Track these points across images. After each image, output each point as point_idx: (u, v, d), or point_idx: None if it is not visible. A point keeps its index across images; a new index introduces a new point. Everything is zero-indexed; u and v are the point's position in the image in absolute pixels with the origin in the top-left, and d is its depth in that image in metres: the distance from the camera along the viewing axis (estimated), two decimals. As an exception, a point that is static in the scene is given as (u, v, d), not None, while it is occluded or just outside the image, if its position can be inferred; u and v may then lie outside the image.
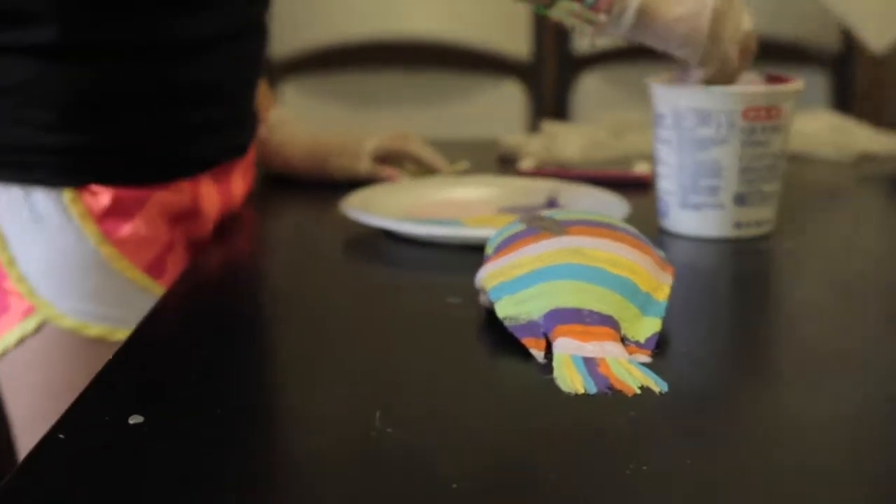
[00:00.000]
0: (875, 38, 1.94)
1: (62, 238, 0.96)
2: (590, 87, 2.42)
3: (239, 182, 1.10)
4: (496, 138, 1.38)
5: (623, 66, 2.38)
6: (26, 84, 0.94)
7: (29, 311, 0.96)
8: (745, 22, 0.97)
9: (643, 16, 0.94)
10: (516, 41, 2.40)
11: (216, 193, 1.06)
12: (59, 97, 0.95)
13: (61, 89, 0.94)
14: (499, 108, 2.38)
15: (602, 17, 0.92)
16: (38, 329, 0.96)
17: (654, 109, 1.00)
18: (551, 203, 1.08)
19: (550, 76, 2.44)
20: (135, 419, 0.59)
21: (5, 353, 0.97)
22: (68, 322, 0.96)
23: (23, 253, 0.95)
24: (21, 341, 0.96)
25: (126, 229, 0.97)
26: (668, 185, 1.00)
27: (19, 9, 0.93)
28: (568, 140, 1.31)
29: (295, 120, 1.21)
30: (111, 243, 0.97)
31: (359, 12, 2.35)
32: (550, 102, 2.44)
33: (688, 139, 0.97)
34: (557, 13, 0.93)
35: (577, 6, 0.92)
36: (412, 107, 2.35)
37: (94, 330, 0.97)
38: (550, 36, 2.42)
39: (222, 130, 1.05)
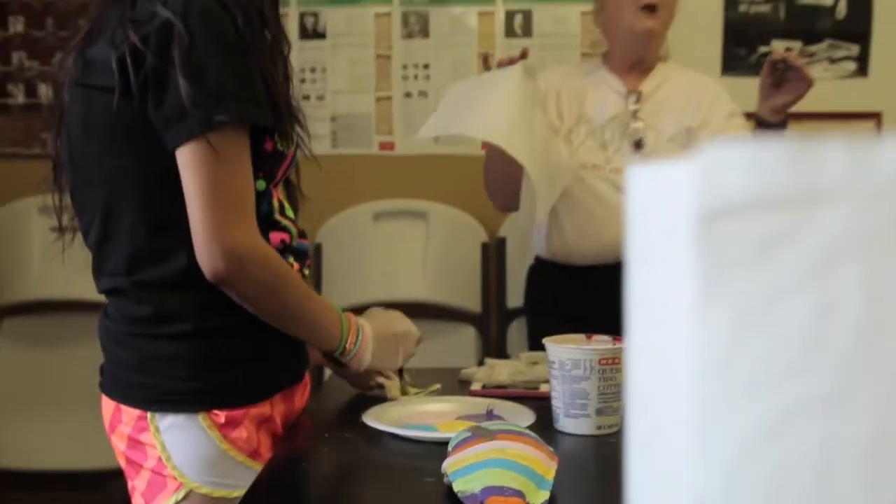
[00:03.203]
0: (541, 210, 1.47)
1: (198, 441, 0.98)
2: (517, 332, 2.38)
3: (299, 398, 1.11)
4: (457, 368, 1.35)
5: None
6: (172, 356, 0.98)
7: (179, 486, 0.98)
8: (404, 338, 1.08)
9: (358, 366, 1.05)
10: (471, 300, 2.38)
11: (283, 406, 1.07)
12: (191, 363, 0.98)
13: (193, 360, 0.98)
14: (459, 346, 2.35)
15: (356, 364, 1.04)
16: (186, 496, 0.98)
17: (548, 357, 1.02)
18: (490, 413, 1.06)
19: (494, 324, 2.40)
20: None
21: None
22: (204, 490, 0.98)
23: (174, 451, 0.98)
24: None
25: (237, 432, 1.00)
26: (557, 403, 1.01)
27: (169, 312, 0.97)
28: (501, 370, 1.27)
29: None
30: (228, 442, 0.99)
31: (370, 283, 2.36)
32: (494, 342, 2.39)
33: (567, 376, 1.00)
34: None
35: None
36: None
37: (220, 493, 0.98)
38: (493, 296, 2.39)
39: (288, 366, 1.08)
